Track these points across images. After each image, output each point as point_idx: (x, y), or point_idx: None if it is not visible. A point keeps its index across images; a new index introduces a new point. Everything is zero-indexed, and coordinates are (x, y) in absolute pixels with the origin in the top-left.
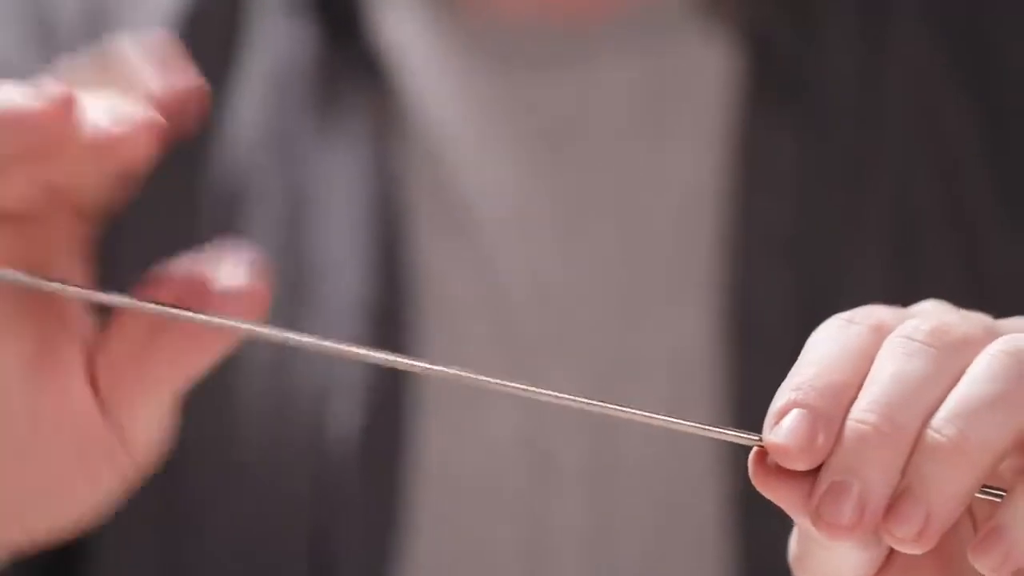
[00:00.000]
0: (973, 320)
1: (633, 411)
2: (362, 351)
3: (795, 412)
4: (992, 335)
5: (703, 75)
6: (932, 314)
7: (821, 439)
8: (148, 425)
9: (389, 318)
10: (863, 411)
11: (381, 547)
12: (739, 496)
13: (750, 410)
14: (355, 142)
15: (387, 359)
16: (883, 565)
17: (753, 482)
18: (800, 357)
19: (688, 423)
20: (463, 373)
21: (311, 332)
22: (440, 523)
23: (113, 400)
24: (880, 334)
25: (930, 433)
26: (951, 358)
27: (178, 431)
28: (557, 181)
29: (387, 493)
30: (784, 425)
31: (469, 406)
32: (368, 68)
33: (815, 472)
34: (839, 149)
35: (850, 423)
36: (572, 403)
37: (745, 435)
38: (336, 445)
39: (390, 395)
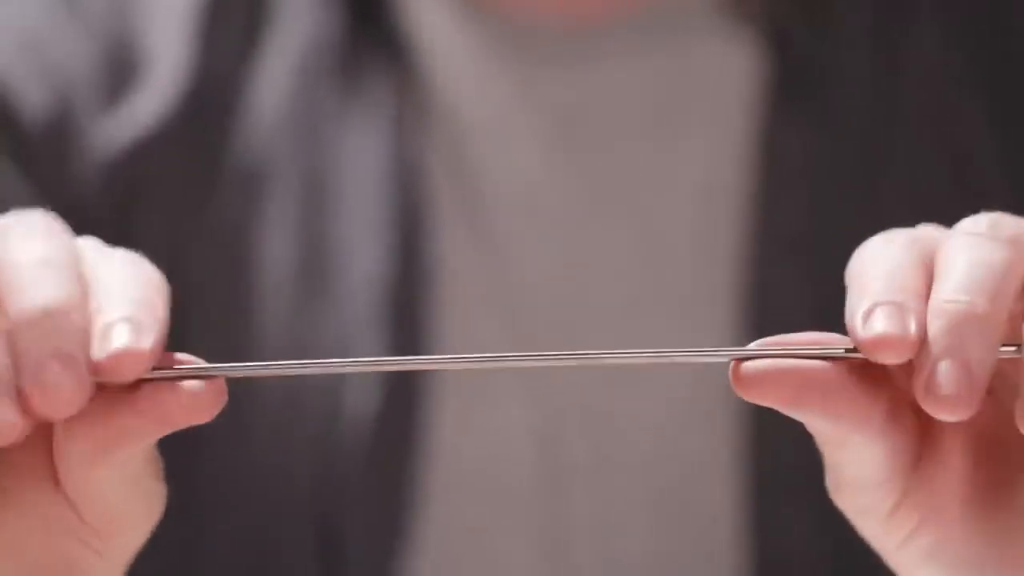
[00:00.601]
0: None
1: (649, 352)
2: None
3: (880, 309)
4: None
5: (720, 73)
6: (979, 218)
7: (913, 328)
8: (108, 495)
9: (405, 300)
10: (953, 292)
11: (390, 536)
12: (747, 487)
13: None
14: (377, 125)
15: (400, 364)
16: (917, 458)
17: (811, 400)
18: (857, 279)
19: (713, 350)
20: (470, 360)
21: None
22: (449, 513)
23: (62, 471)
24: (922, 243)
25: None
26: (1015, 245)
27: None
28: (574, 175)
29: (398, 483)
30: (875, 321)
31: (479, 397)
32: (391, 52)
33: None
34: (855, 147)
35: (943, 305)
36: (577, 359)
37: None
38: (348, 434)
39: (403, 385)
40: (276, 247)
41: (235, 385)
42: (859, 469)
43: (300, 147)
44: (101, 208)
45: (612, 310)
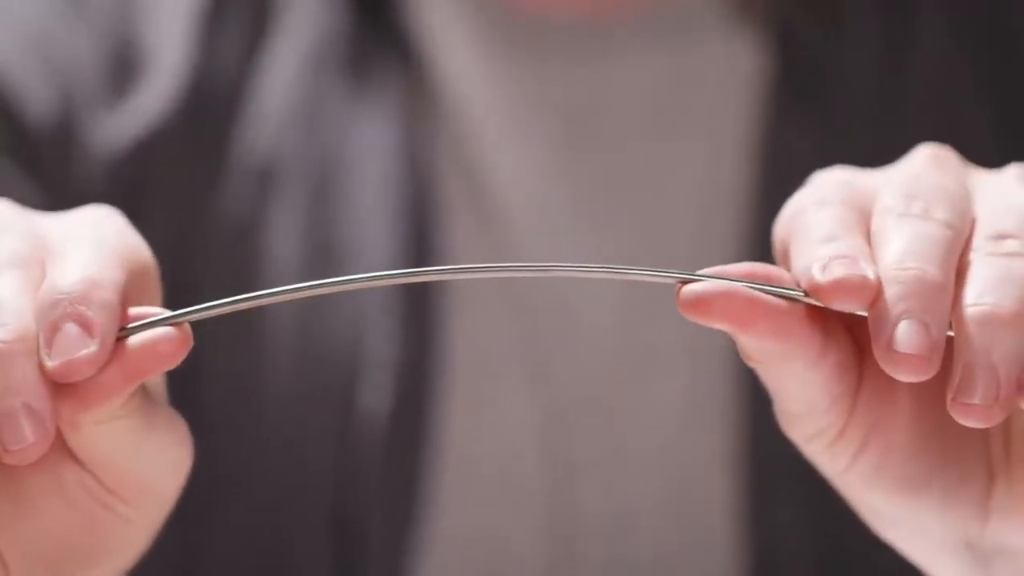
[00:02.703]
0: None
1: (607, 268)
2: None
3: (837, 260)
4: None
5: (726, 72)
6: (900, 184)
7: (872, 275)
8: (121, 459)
9: (414, 295)
10: (902, 259)
11: (403, 532)
12: (745, 484)
13: (767, 402)
14: (385, 121)
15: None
16: (862, 385)
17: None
18: (800, 243)
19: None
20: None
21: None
22: (460, 508)
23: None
24: (854, 202)
25: None
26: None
27: (203, 406)
28: (579, 172)
29: (411, 479)
30: (833, 268)
31: (489, 393)
32: (399, 48)
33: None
34: (858, 147)
35: (895, 272)
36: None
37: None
38: (363, 427)
39: (417, 379)
40: (284, 244)
41: (248, 384)
42: (804, 395)
43: (307, 143)
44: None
45: (616, 304)
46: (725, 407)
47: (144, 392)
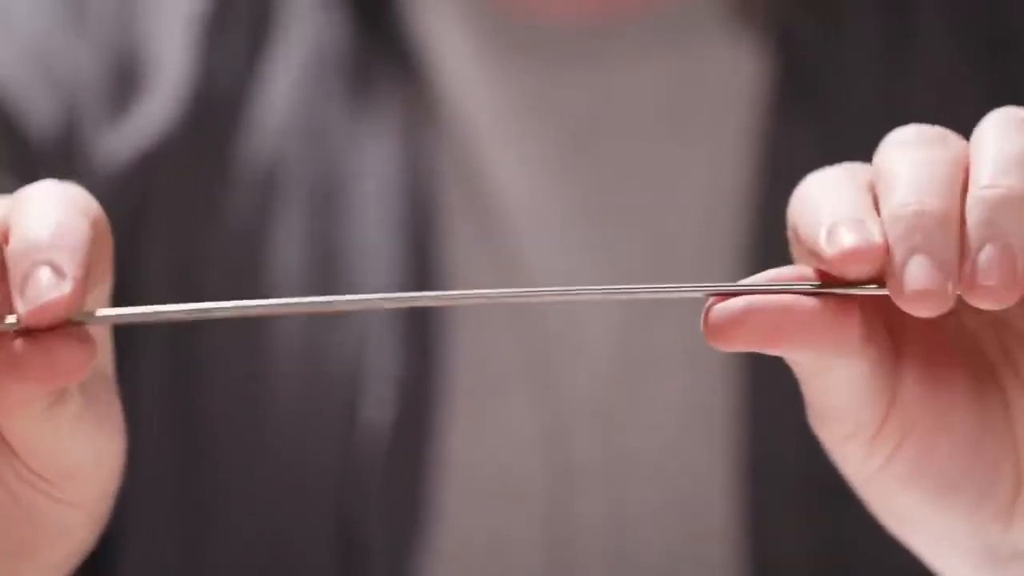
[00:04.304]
0: None
1: (625, 288)
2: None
3: (840, 225)
4: None
5: (728, 75)
6: (904, 129)
7: (878, 235)
8: (48, 445)
9: (417, 307)
10: (904, 196)
11: (406, 540)
12: (746, 489)
13: (768, 407)
14: (386, 132)
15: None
16: (900, 386)
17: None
18: (807, 212)
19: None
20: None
21: (341, 328)
22: (463, 517)
23: None
24: (858, 168)
25: None
26: (945, 143)
27: (207, 416)
28: (581, 178)
29: (414, 488)
30: (839, 237)
31: (491, 402)
32: (400, 59)
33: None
34: (859, 147)
35: (896, 211)
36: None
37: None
38: (366, 438)
39: (420, 388)
40: (287, 255)
41: (252, 394)
42: (843, 393)
43: (309, 154)
44: (109, 219)
45: (620, 312)
46: (725, 412)
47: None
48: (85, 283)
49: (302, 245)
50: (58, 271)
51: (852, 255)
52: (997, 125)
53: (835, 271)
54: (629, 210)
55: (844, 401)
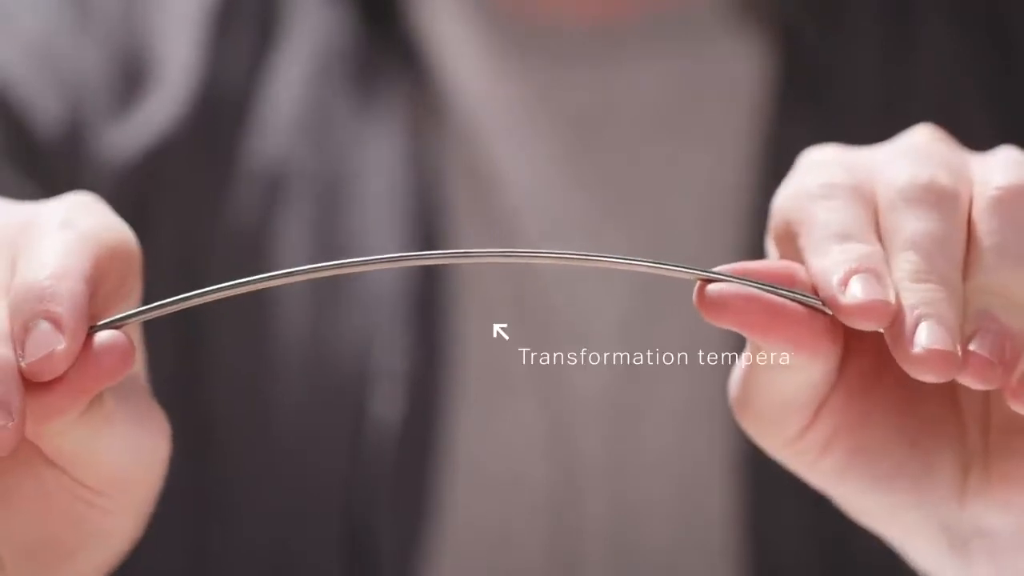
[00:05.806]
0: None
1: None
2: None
3: (858, 277)
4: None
5: (732, 74)
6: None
7: (892, 295)
8: (92, 456)
9: (424, 302)
10: (916, 264)
11: (413, 536)
12: (747, 486)
13: None
14: (392, 128)
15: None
16: (834, 387)
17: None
18: (813, 237)
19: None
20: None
21: (348, 325)
22: (470, 514)
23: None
24: (862, 190)
25: None
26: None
27: (214, 413)
28: (587, 177)
29: (421, 484)
30: (855, 288)
31: (497, 400)
32: (405, 55)
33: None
34: (861, 147)
35: (908, 283)
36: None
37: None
38: (373, 435)
39: (427, 387)
40: (292, 251)
41: (259, 391)
42: (787, 390)
43: (315, 151)
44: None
45: (623, 308)
46: (727, 410)
47: (108, 389)
48: (83, 334)
49: (307, 242)
50: (57, 324)
51: (865, 312)
52: (1001, 206)
53: (842, 318)
54: (632, 208)
55: (789, 397)
